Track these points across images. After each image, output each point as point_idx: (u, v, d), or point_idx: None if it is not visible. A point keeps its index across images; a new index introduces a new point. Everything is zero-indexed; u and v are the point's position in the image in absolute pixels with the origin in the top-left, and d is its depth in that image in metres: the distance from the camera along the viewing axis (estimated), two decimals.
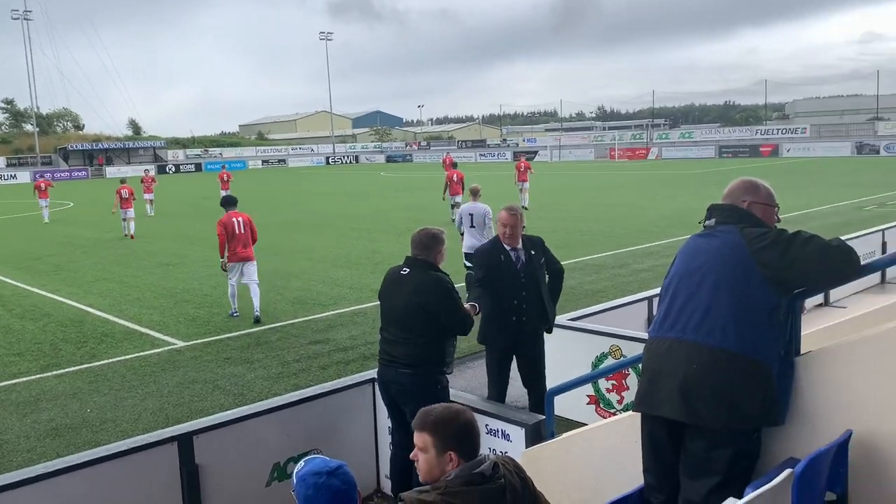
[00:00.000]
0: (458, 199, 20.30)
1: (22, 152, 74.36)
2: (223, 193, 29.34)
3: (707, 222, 3.18)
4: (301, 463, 2.41)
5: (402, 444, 4.79)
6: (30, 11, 75.48)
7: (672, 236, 16.99)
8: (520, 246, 5.67)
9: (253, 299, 10.87)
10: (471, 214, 11.39)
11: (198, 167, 74.35)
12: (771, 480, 2.60)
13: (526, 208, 21.74)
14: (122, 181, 23.36)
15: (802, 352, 3.08)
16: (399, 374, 4.62)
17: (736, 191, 3.25)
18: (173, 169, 72.86)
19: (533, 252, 5.68)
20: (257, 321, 10.68)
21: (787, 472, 2.55)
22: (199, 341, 9.84)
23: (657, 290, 6.92)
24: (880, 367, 2.87)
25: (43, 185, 28.22)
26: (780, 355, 2.94)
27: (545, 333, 5.86)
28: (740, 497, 2.67)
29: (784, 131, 63.68)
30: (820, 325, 6.09)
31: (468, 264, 10.66)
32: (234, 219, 10.86)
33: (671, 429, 3.04)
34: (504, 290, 5.57)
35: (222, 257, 10.89)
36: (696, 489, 2.95)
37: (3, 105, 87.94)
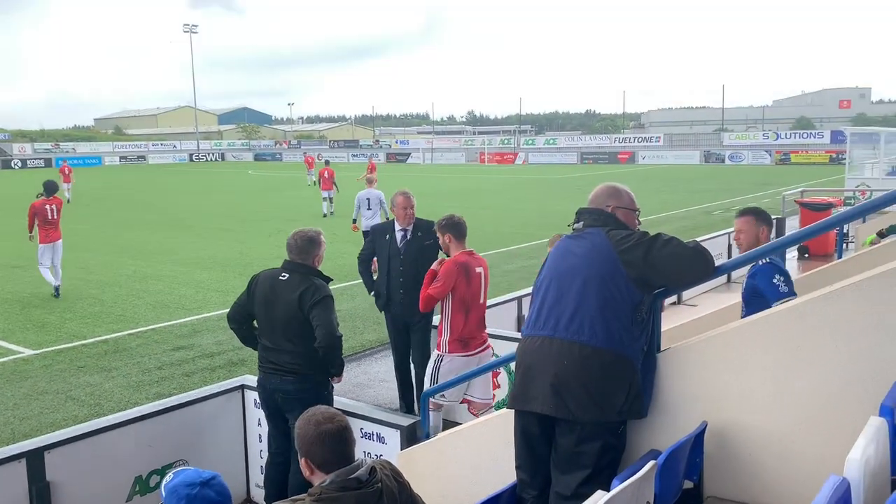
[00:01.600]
0: (329, 194, 23.20)
1: None
2: (66, 185, 30.13)
3: (576, 225, 3.32)
4: (170, 475, 2.29)
5: (280, 452, 4.67)
6: None
7: (539, 238, 17.56)
8: (410, 227, 6.44)
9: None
10: (367, 199, 13.69)
11: (48, 162, 69.11)
12: (636, 472, 2.74)
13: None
14: None
15: (662, 348, 3.27)
16: (283, 381, 4.49)
17: (601, 196, 3.40)
18: (19, 164, 67.48)
19: (420, 234, 6.40)
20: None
21: (650, 463, 2.68)
22: (49, 349, 9.15)
23: (526, 291, 7.14)
24: (729, 362, 3.09)
25: None
26: (643, 351, 3.10)
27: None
28: (608, 489, 2.79)
29: (640, 140, 67.43)
30: (674, 322, 6.51)
31: None
32: (48, 205, 12.30)
33: (543, 425, 3.14)
34: (388, 263, 6.43)
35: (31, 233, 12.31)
36: (567, 483, 3.06)
37: None
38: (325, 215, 22.94)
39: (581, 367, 3.00)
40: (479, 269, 5.56)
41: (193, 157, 78.98)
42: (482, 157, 67.34)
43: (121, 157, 75.02)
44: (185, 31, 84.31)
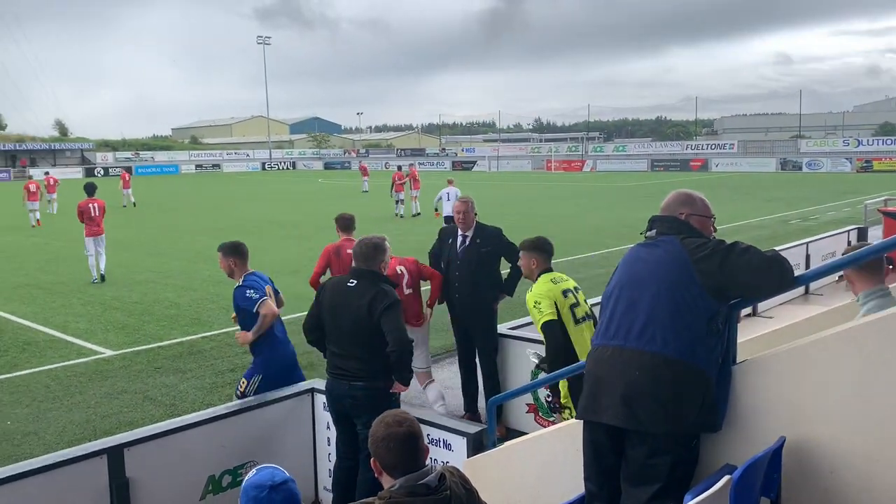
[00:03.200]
0: (401, 195, 26.47)
1: None
2: (126, 191, 32.48)
3: (648, 233, 3.25)
4: (253, 471, 2.34)
5: (348, 456, 4.72)
6: None
7: (607, 247, 17.32)
8: (469, 233, 6.56)
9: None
10: (448, 193, 19.29)
11: (128, 171, 72.09)
12: (709, 487, 2.66)
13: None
14: (30, 177, 23.79)
15: (738, 360, 3.17)
16: (352, 387, 4.53)
17: (673, 203, 3.33)
18: (102, 172, 70.50)
19: (478, 240, 6.53)
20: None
21: (725, 478, 2.61)
22: (128, 350, 9.51)
23: (595, 300, 7.05)
24: (809, 376, 2.97)
25: (34, 187, 26.73)
26: (717, 363, 3.01)
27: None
28: (679, 503, 2.72)
29: (713, 147, 65.80)
30: (750, 334, 6.30)
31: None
32: (91, 204, 14.47)
33: (613, 436, 3.08)
34: (448, 266, 6.65)
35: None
36: (637, 496, 3.00)
37: None
38: (396, 215, 26.00)
39: (653, 377, 2.94)
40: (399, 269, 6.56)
41: (266, 166, 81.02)
42: (549, 165, 66.93)
43: (196, 166, 77.57)
44: (258, 43, 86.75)
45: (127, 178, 34.37)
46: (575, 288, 5.13)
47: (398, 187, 26.47)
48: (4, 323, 11.12)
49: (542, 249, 5.26)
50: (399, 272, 6.47)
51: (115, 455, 4.21)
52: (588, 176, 57.55)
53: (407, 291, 6.48)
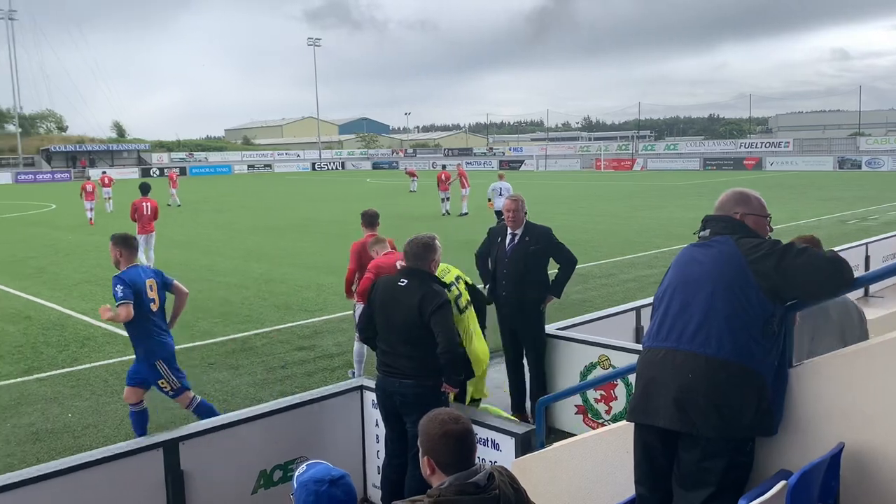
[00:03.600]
0: (447, 194, 27.03)
1: (3, 153, 73.56)
2: (173, 191, 33.29)
3: (702, 233, 3.20)
4: (302, 467, 2.37)
5: (397, 453, 4.75)
6: (14, 11, 74.87)
7: (658, 247, 17.08)
8: (519, 231, 6.54)
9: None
10: (500, 187, 20.39)
11: (182, 171, 73.83)
12: (765, 492, 2.60)
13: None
14: (88, 178, 24.69)
15: (794, 363, 3.10)
16: (402, 385, 4.56)
17: (728, 202, 3.26)
18: (157, 172, 72.33)
19: (527, 239, 6.50)
20: None
21: (781, 484, 2.55)
22: (183, 346, 9.72)
23: (645, 301, 6.98)
24: (870, 381, 2.89)
25: (90, 188, 27.84)
26: (773, 365, 2.95)
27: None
28: None
29: (767, 145, 64.27)
30: None
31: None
32: (144, 203, 15.13)
33: (665, 439, 3.04)
34: (496, 264, 6.66)
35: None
36: (690, 499, 2.95)
37: None
38: (443, 213, 26.76)
39: (707, 380, 2.89)
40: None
41: (315, 166, 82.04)
42: (598, 164, 66.26)
43: (249, 166, 78.98)
44: (308, 45, 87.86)
45: (174, 178, 35.44)
46: (457, 278, 5.47)
47: (444, 186, 27.06)
48: (65, 318, 11.50)
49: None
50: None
51: (170, 448, 4.32)
52: (638, 175, 56.80)
53: None
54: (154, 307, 5.92)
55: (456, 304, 5.19)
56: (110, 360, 9.12)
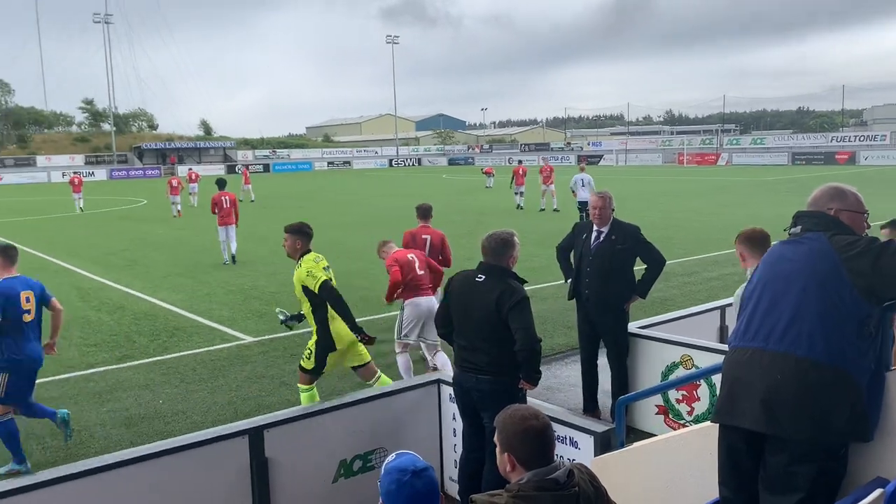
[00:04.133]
0: (522, 188, 27.59)
1: (99, 151, 77.45)
2: (246, 187, 34.96)
3: (793, 229, 3.08)
4: (392, 455, 2.42)
5: (475, 448, 4.75)
6: (110, 15, 78.81)
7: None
8: (605, 228, 6.42)
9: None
10: (581, 179, 21.64)
11: (266, 168, 76.05)
12: (859, 500, 2.50)
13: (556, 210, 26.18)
14: (173, 174, 26.57)
15: (893, 366, 2.95)
16: (479, 380, 4.56)
17: (822, 197, 3.13)
18: (242, 169, 74.65)
19: (614, 237, 6.39)
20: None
21: (877, 492, 2.44)
22: (266, 337, 10.04)
23: (729, 300, 6.77)
24: None
25: (175, 182, 29.74)
26: (869, 368, 2.81)
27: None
28: None
29: (862, 138, 61.33)
30: None
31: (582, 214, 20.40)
32: (223, 197, 16.49)
33: (751, 441, 2.95)
34: (579, 261, 6.58)
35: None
36: None
37: (83, 105, 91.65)
38: (517, 207, 27.33)
39: (797, 381, 2.78)
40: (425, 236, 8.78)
41: (392, 163, 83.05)
42: (680, 158, 64.65)
43: (328, 163, 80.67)
44: (387, 42, 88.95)
45: (247, 175, 37.26)
46: (326, 267, 6.23)
47: (520, 180, 27.34)
48: (157, 309, 12.01)
49: (307, 234, 6.37)
50: (410, 259, 7.97)
51: (255, 436, 4.46)
52: (723, 170, 55.12)
53: (420, 272, 7.88)
54: (28, 318, 6.06)
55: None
56: (198, 350, 9.48)
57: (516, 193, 27.51)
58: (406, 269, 7.76)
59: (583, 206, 20.70)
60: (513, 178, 27.83)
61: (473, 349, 4.61)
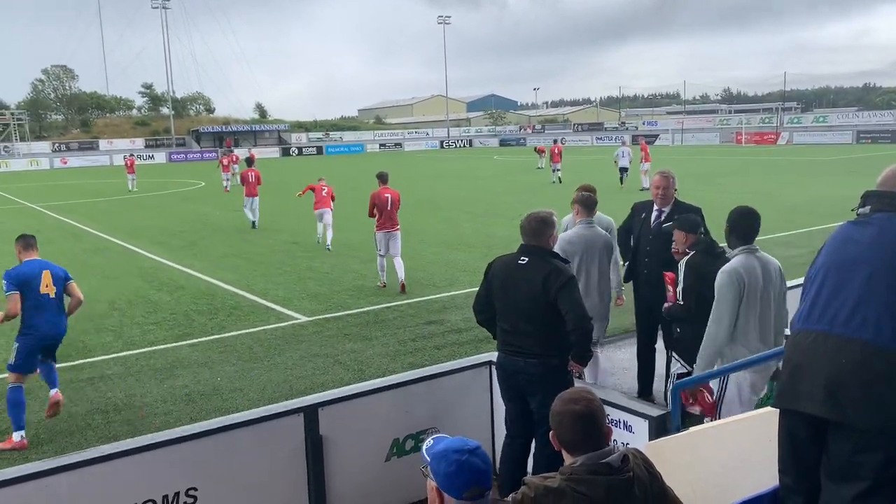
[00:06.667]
0: (558, 165, 31.30)
1: (158, 134, 79.36)
2: (226, 175, 33.00)
3: (861, 210, 2.96)
4: (429, 440, 2.42)
5: (519, 433, 4.70)
6: (168, 0, 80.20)
7: (804, 226, 16.08)
8: (667, 209, 6.30)
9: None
10: (623, 151, 27.52)
11: (319, 150, 76.85)
12: None
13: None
14: (224, 153, 35.28)
15: None
16: (527, 364, 4.48)
17: (893, 177, 3.01)
18: (296, 151, 75.58)
19: (676, 217, 6.02)
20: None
21: None
22: (320, 317, 10.18)
23: (790, 282, 6.57)
24: None
25: (226, 161, 32.53)
26: None
27: None
28: None
29: None
30: None
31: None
32: (250, 173, 20.14)
33: (813, 427, 2.87)
34: (638, 241, 6.51)
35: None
36: (841, 494, 2.77)
37: (142, 90, 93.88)
38: (553, 182, 30.04)
39: (863, 367, 2.69)
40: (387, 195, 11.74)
41: (444, 144, 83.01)
42: (738, 138, 62.97)
43: (380, 145, 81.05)
44: (438, 23, 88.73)
45: (233, 161, 36.24)
46: None
47: (556, 158, 31.39)
48: (215, 289, 12.29)
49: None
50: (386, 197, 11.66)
51: (310, 413, 4.53)
52: (784, 149, 53.51)
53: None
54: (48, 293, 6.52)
55: None
56: (254, 329, 9.68)
57: (554, 171, 31.33)
58: (380, 206, 11.70)
59: (623, 171, 27.34)
60: (549, 157, 32.63)
61: (519, 332, 4.52)
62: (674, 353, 5.56)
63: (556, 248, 5.08)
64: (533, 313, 4.46)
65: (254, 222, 19.67)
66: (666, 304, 5.47)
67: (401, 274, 11.59)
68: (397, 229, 11.84)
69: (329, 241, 15.99)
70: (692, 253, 5.23)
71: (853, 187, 3.11)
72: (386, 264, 11.91)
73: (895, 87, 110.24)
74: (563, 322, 4.38)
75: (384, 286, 11.82)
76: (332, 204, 16.63)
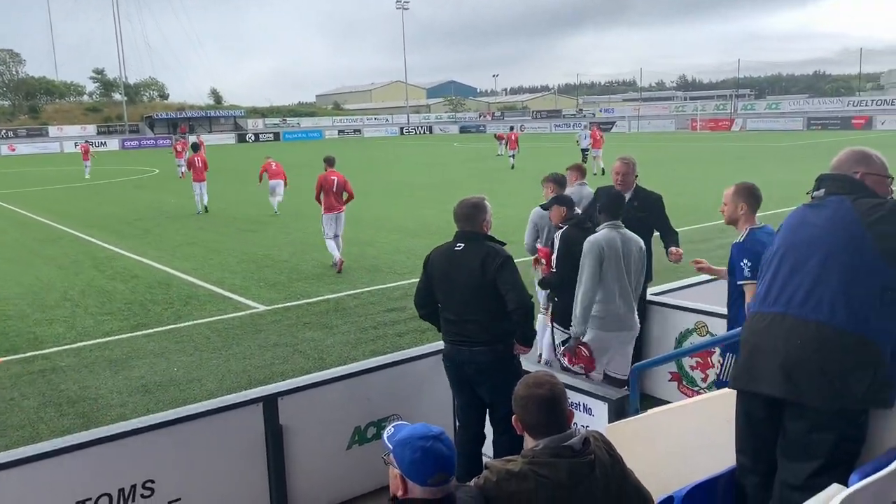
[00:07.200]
0: (514, 151, 33.10)
1: (111, 121, 77.47)
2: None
3: (816, 192, 3.01)
4: (390, 428, 2.39)
5: (471, 423, 4.64)
6: None
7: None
8: (628, 195, 6.22)
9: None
10: (582, 134, 31.62)
11: (276, 136, 75.88)
12: (880, 468, 2.46)
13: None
14: (177, 140, 36.70)
15: None
16: (473, 353, 4.40)
17: (847, 161, 3.07)
18: (252, 138, 74.51)
19: (636, 203, 6.23)
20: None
21: None
22: (279, 306, 10.07)
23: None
24: None
25: (180, 147, 32.12)
26: (892, 335, 2.76)
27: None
28: (843, 483, 2.54)
29: (879, 103, 60.39)
30: None
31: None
32: (196, 158, 20.68)
33: (770, 407, 2.92)
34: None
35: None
36: (796, 472, 2.83)
37: (93, 75, 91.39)
38: (512, 167, 31.07)
39: (817, 347, 2.74)
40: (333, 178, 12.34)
41: (403, 131, 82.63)
42: (693, 124, 63.94)
43: (339, 131, 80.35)
44: (397, 9, 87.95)
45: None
46: None
47: (513, 145, 33.22)
48: (170, 278, 12.06)
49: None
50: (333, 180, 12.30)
51: (270, 403, 4.47)
52: (737, 136, 54.50)
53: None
54: None
55: None
56: (211, 318, 9.53)
57: (510, 156, 32.94)
58: (327, 188, 12.29)
59: (584, 151, 30.32)
60: (506, 144, 34.73)
61: (463, 321, 4.43)
62: (554, 323, 5.96)
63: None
64: (475, 299, 4.38)
65: (205, 207, 20.03)
66: (541, 275, 6.05)
67: (340, 252, 12.51)
68: (343, 210, 12.58)
69: (276, 207, 18.63)
70: (566, 227, 5.70)
71: (806, 172, 3.17)
72: (335, 244, 12.45)
73: (844, 75, 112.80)
74: (505, 305, 4.31)
75: (342, 264, 12.16)
76: (285, 176, 19.25)
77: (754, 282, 3.99)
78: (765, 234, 4.52)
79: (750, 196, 4.81)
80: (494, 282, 4.30)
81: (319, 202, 12.46)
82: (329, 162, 12.64)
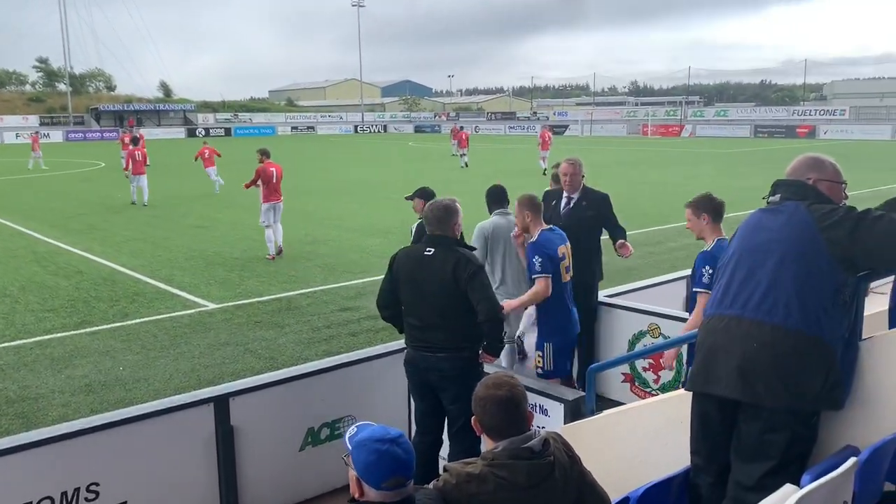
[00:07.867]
0: (465, 150, 33.98)
1: (55, 111, 75.09)
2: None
3: (771, 198, 3.07)
4: (353, 428, 2.34)
5: (430, 429, 4.58)
6: None
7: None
8: (575, 195, 6.42)
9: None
10: (542, 136, 30.66)
11: (227, 132, 74.54)
12: (831, 469, 2.51)
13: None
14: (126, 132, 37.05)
15: (864, 336, 2.97)
16: (438, 359, 4.33)
17: (801, 167, 3.13)
18: (203, 132, 73.04)
19: (584, 203, 6.39)
20: None
21: (852, 460, 2.45)
22: (229, 304, 9.88)
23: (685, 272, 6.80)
24: None
25: (127, 140, 30.51)
26: (843, 337, 2.83)
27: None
28: (795, 483, 2.58)
29: (822, 112, 62.31)
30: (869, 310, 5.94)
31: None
32: (136, 152, 20.74)
33: (725, 409, 2.96)
34: None
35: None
36: (749, 472, 2.87)
37: (37, 64, 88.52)
38: (462, 166, 31.88)
39: (772, 349, 2.79)
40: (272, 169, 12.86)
41: (358, 129, 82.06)
42: (645, 130, 65.01)
43: (292, 128, 79.32)
44: (352, 6, 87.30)
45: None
46: None
47: (464, 144, 34.02)
48: (116, 274, 11.74)
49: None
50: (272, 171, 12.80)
51: (221, 403, 4.37)
52: (687, 142, 55.60)
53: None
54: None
55: None
56: (159, 316, 9.29)
57: (461, 156, 33.61)
58: (266, 179, 12.82)
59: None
60: (458, 143, 35.01)
61: (428, 327, 4.35)
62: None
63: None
64: (443, 306, 4.30)
65: (142, 201, 20.16)
66: None
67: (280, 238, 13.01)
68: (281, 200, 13.15)
69: (217, 188, 21.91)
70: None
71: (753, 178, 3.22)
72: (273, 235, 12.88)
73: (789, 85, 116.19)
74: (473, 313, 4.25)
75: (275, 257, 12.72)
76: (215, 161, 22.75)
77: (709, 292, 4.00)
78: None
79: (709, 205, 4.87)
80: (465, 290, 4.23)
81: (247, 188, 13.45)
82: (266, 153, 13.18)
